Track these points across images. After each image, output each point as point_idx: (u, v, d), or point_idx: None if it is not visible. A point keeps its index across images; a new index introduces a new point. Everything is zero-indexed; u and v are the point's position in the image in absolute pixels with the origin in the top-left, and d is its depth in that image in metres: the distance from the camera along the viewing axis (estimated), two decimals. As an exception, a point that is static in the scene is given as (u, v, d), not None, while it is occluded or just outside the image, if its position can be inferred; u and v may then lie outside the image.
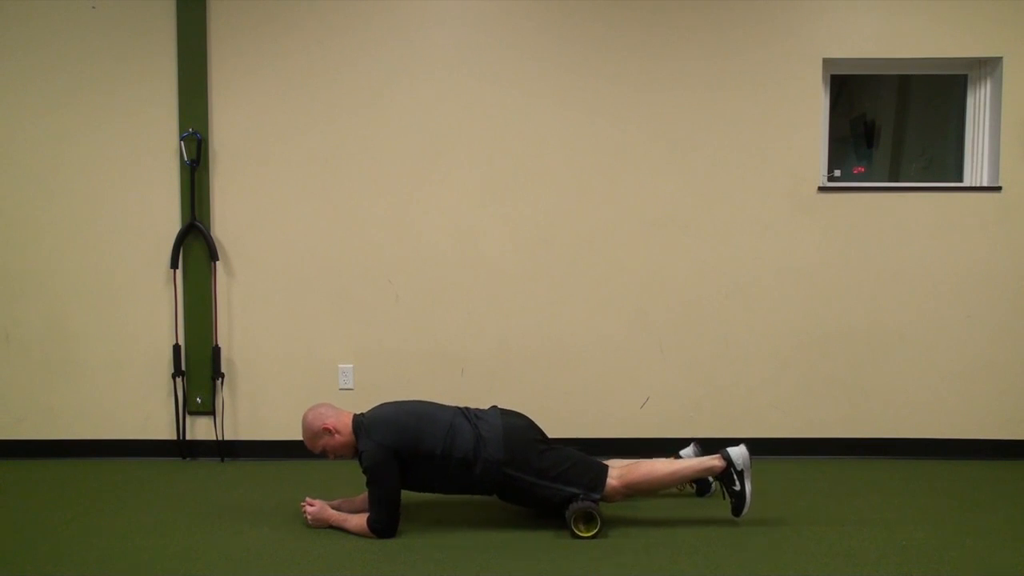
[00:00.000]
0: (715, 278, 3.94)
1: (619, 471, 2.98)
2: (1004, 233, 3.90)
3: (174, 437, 3.98)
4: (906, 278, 3.93)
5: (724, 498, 3.00)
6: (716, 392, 3.97)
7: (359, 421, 2.96)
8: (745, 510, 2.93)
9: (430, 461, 2.89)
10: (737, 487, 2.92)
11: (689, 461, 3.05)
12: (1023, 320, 3.92)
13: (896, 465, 3.84)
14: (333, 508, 3.04)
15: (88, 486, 3.52)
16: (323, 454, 3.00)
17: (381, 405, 3.08)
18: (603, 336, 3.96)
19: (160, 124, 3.88)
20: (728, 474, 2.93)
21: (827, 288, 3.93)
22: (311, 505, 3.02)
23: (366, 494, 3.01)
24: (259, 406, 3.99)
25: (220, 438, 3.98)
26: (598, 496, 2.92)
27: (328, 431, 2.95)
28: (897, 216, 3.91)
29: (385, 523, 2.86)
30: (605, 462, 3.06)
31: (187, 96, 3.86)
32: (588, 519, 2.87)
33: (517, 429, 2.98)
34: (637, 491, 3.00)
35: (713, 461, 2.96)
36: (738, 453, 2.93)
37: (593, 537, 2.85)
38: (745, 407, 3.97)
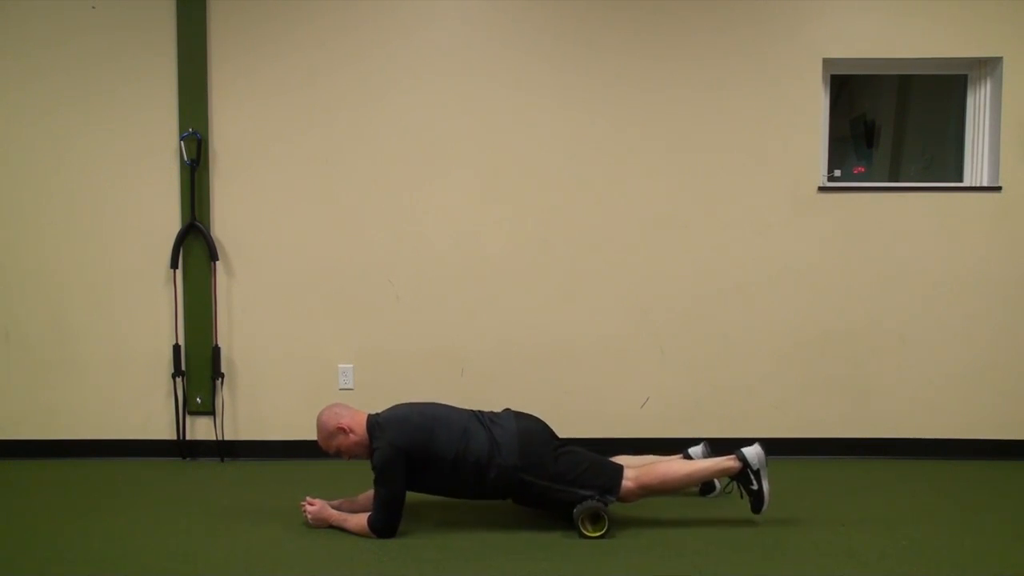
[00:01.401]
0: (715, 278, 3.94)
1: (635, 472, 2.96)
2: (1004, 233, 3.90)
3: (174, 437, 3.98)
4: (906, 278, 3.92)
5: (742, 497, 2.99)
6: (716, 392, 3.97)
7: (374, 421, 2.95)
8: (764, 508, 2.93)
9: (442, 464, 2.88)
10: (755, 486, 2.92)
11: (705, 462, 3.05)
12: (1023, 320, 3.92)
13: (896, 465, 3.84)
14: (333, 508, 3.03)
15: (88, 486, 3.52)
16: (337, 454, 2.99)
17: (396, 406, 3.07)
18: (603, 336, 3.96)
19: (160, 124, 3.88)
20: (745, 474, 2.93)
21: (827, 288, 3.93)
22: (311, 505, 3.02)
23: (368, 493, 3.02)
24: (259, 406, 3.99)
25: (220, 438, 3.98)
26: (613, 499, 2.90)
27: (343, 431, 2.94)
28: (897, 216, 3.91)
29: (386, 524, 2.85)
30: (618, 460, 3.04)
31: (187, 96, 3.86)
32: (595, 519, 2.86)
33: (532, 433, 2.97)
34: (652, 493, 2.99)
35: (729, 462, 2.96)
36: (753, 453, 2.93)
37: (601, 537, 2.84)
38: (745, 407, 3.97)
